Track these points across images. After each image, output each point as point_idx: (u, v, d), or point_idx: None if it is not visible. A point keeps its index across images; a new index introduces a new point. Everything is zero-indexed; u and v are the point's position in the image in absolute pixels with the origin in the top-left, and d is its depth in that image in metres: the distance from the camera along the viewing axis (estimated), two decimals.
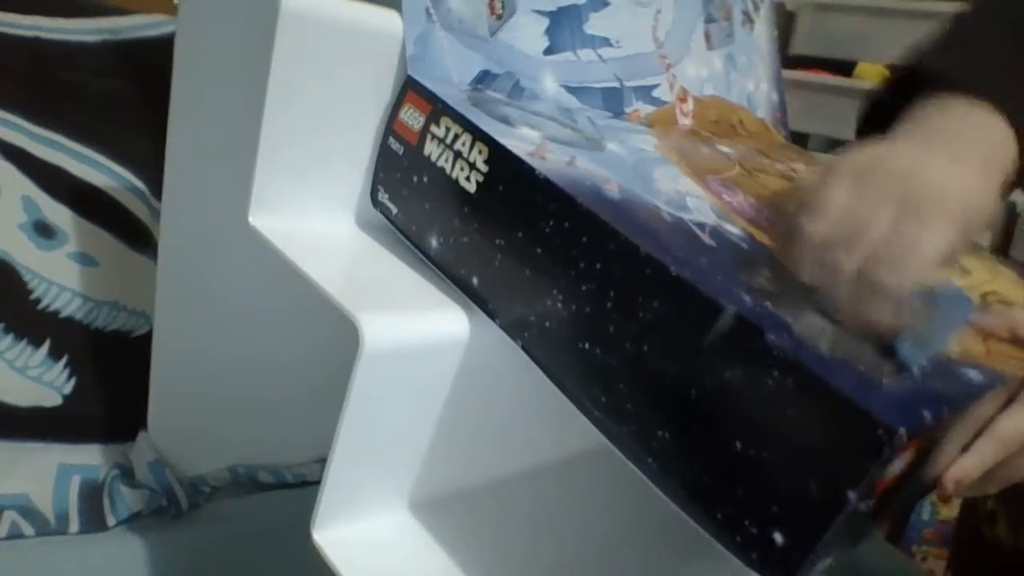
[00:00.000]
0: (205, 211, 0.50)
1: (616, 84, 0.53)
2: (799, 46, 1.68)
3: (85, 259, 0.66)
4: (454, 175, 0.42)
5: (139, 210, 0.71)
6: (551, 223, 0.38)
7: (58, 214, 0.66)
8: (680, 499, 0.35)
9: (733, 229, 0.41)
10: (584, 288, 0.37)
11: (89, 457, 0.59)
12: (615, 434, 0.37)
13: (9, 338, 0.60)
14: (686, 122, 0.57)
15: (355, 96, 0.44)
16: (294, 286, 0.39)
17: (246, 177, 0.42)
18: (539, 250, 0.39)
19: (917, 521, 1.54)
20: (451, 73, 0.45)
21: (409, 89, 0.44)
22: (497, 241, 0.40)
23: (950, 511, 1.51)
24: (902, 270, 0.35)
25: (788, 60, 1.68)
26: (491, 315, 0.41)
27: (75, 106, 0.73)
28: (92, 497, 0.55)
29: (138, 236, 0.69)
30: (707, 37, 0.61)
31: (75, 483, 0.56)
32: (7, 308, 0.61)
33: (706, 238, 0.39)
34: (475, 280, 0.42)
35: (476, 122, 0.41)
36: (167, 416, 0.60)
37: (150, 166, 0.73)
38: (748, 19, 0.66)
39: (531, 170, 0.39)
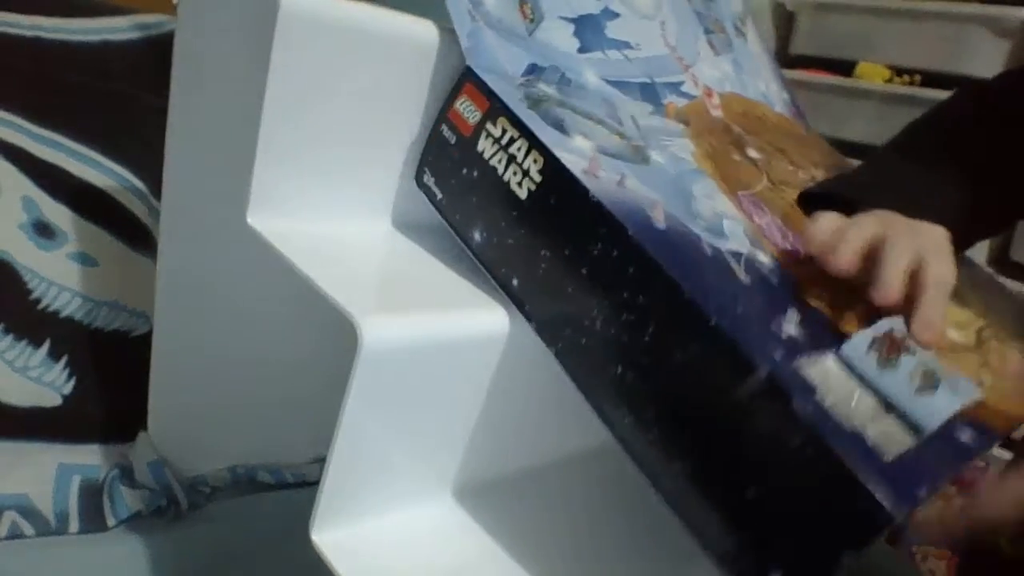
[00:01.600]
0: (204, 211, 0.50)
1: (647, 80, 0.54)
2: (799, 46, 1.68)
3: (85, 259, 0.66)
4: (506, 177, 0.42)
5: (139, 210, 0.71)
6: (599, 247, 0.39)
7: (58, 214, 0.66)
8: (690, 524, 0.37)
9: (764, 259, 0.43)
10: (624, 318, 0.38)
11: (89, 457, 0.59)
12: (635, 452, 0.39)
13: (9, 338, 0.60)
14: (718, 114, 0.59)
15: (355, 96, 0.44)
16: (293, 286, 0.39)
17: (245, 177, 0.42)
18: (584, 270, 0.39)
19: None
20: (505, 66, 0.46)
21: (467, 81, 0.44)
22: (543, 252, 0.41)
23: None
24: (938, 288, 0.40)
25: (788, 60, 1.68)
26: (527, 317, 0.42)
27: (75, 106, 0.73)
28: (92, 497, 0.55)
29: (138, 236, 0.69)
30: (711, 45, 0.63)
31: (75, 483, 0.56)
32: (7, 308, 0.61)
33: (742, 274, 0.41)
34: (515, 282, 0.43)
35: (533, 128, 0.42)
36: (167, 416, 0.60)
37: (150, 166, 0.73)
38: (739, 32, 0.69)
39: (585, 191, 0.39)
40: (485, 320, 0.43)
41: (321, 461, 0.67)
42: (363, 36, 0.43)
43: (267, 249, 0.41)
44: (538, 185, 0.41)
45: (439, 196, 0.46)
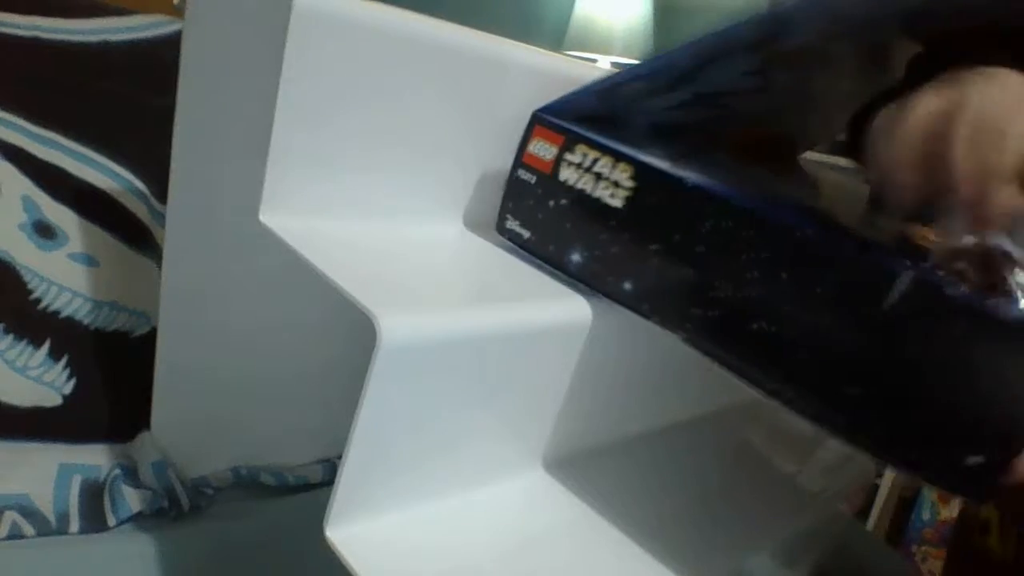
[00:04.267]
0: (212, 211, 0.50)
1: None
2: None
3: (85, 259, 0.66)
4: (597, 194, 0.46)
5: (139, 210, 0.71)
6: (708, 224, 0.43)
7: (58, 214, 0.66)
8: (872, 447, 0.40)
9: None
10: (750, 275, 0.41)
11: (90, 457, 0.59)
12: (795, 400, 0.41)
13: (9, 338, 0.60)
14: None
15: (369, 96, 0.45)
16: (302, 286, 0.39)
17: (257, 176, 0.42)
18: (700, 248, 0.43)
19: (917, 521, 1.55)
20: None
21: (537, 124, 0.49)
22: (652, 247, 0.44)
23: (950, 511, 1.51)
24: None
25: None
26: (645, 315, 0.45)
27: (75, 106, 0.73)
28: (93, 497, 0.55)
29: (138, 236, 0.69)
30: None
31: (76, 483, 0.56)
32: (7, 308, 0.61)
33: (837, 223, 0.44)
34: (627, 285, 0.46)
35: (612, 145, 0.46)
36: (170, 417, 0.59)
37: (150, 166, 0.73)
38: None
39: (681, 179, 0.44)
40: (506, 317, 0.43)
41: (324, 463, 0.67)
42: (378, 35, 0.43)
43: (280, 248, 0.41)
44: (633, 191, 0.45)
45: (526, 236, 0.50)
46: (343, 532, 0.38)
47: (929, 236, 0.43)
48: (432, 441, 0.42)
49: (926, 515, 1.52)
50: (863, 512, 1.62)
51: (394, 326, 0.35)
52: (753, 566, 0.55)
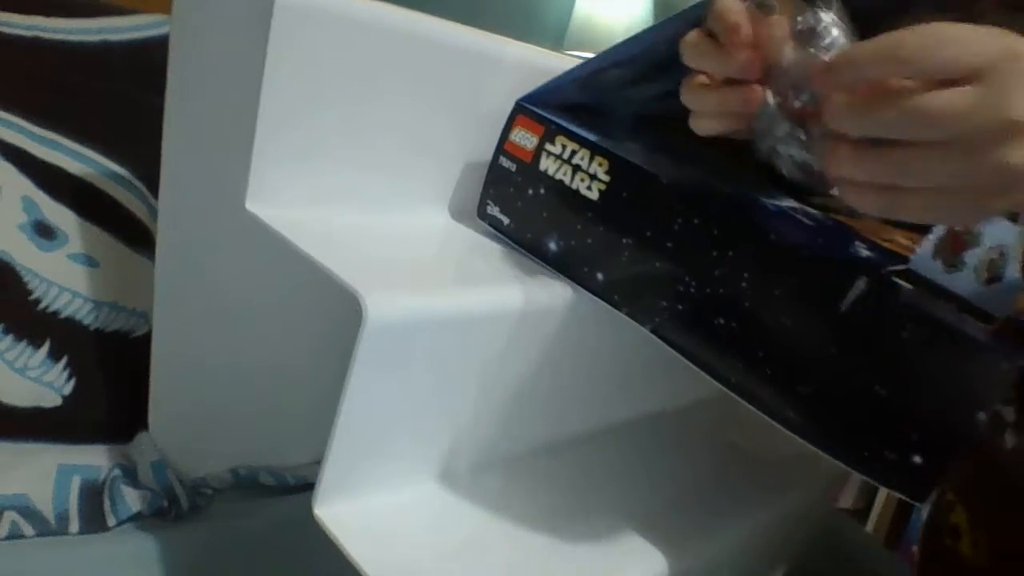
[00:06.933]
0: (202, 203, 0.51)
1: None
2: None
3: (85, 259, 0.66)
4: (574, 186, 0.47)
5: (139, 210, 0.71)
6: (679, 220, 0.43)
7: (58, 214, 0.66)
8: (821, 442, 0.40)
9: (815, 212, 0.46)
10: (718, 272, 0.42)
11: (89, 457, 0.59)
12: (754, 396, 0.42)
13: (9, 339, 0.60)
14: None
15: (351, 87, 0.45)
16: (294, 276, 0.40)
17: (243, 166, 0.42)
18: (670, 244, 0.44)
19: (916, 521, 1.54)
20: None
21: (519, 114, 0.50)
22: (624, 240, 0.46)
23: None
24: None
25: None
26: (616, 306, 0.46)
27: (75, 106, 0.73)
28: (92, 497, 0.55)
29: (138, 236, 0.69)
30: None
31: (75, 483, 0.56)
32: (7, 309, 0.61)
33: (806, 220, 0.44)
34: (599, 276, 0.47)
35: (591, 138, 0.47)
36: (167, 417, 0.59)
37: (150, 166, 0.72)
38: None
39: (655, 176, 0.45)
40: (489, 299, 0.44)
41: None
42: (361, 29, 0.44)
43: (267, 235, 0.41)
44: (608, 184, 0.46)
45: (506, 222, 0.51)
46: (332, 510, 0.39)
47: (898, 239, 0.44)
48: (418, 422, 0.43)
49: (925, 516, 1.52)
50: (863, 512, 1.62)
51: (379, 304, 0.35)
52: (733, 552, 0.55)
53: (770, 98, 0.38)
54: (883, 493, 1.60)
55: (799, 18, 0.37)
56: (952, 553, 0.63)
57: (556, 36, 2.16)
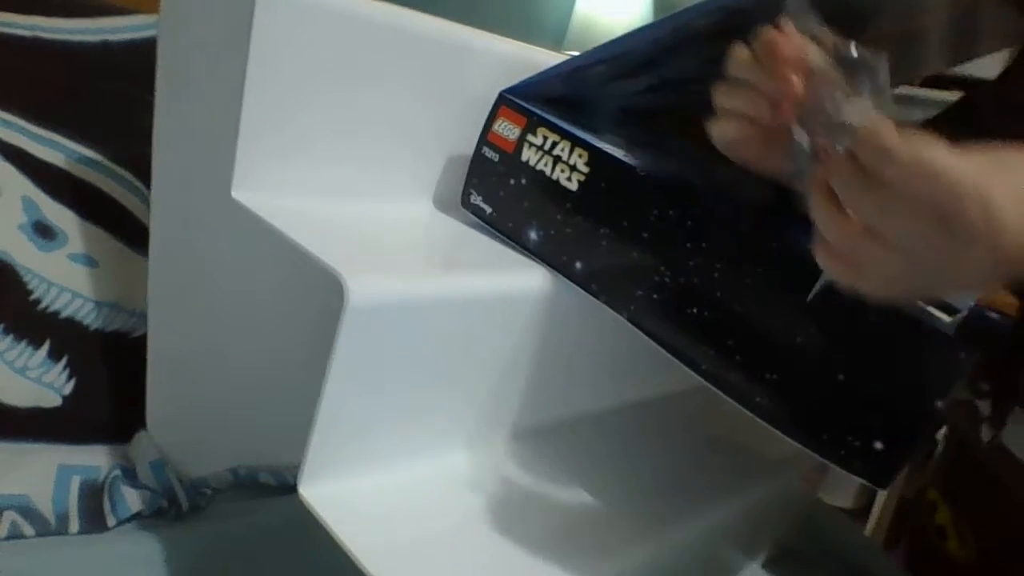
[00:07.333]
0: (192, 195, 0.51)
1: None
2: None
3: (85, 260, 0.66)
4: (555, 176, 0.49)
5: (139, 210, 0.71)
6: (655, 212, 0.45)
7: (58, 214, 0.66)
8: (787, 428, 0.42)
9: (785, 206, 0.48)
10: (692, 263, 0.44)
11: (89, 458, 0.59)
12: (724, 382, 0.43)
13: (9, 339, 0.60)
14: None
15: (336, 78, 0.46)
16: (283, 271, 0.40)
17: (229, 156, 0.43)
18: (646, 235, 0.45)
19: None
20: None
21: (502, 105, 0.51)
22: (602, 230, 0.47)
23: None
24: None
25: None
26: (594, 295, 0.47)
27: (75, 106, 0.73)
28: (92, 497, 0.55)
29: (138, 236, 0.69)
30: None
31: (75, 483, 0.56)
32: (7, 309, 0.61)
33: (776, 214, 0.45)
34: (578, 265, 0.48)
35: (571, 130, 0.48)
36: (165, 417, 0.60)
37: (150, 166, 0.72)
38: None
39: (633, 168, 0.46)
40: (470, 284, 0.44)
41: None
42: (344, 21, 0.45)
43: (253, 223, 0.42)
44: (587, 175, 0.47)
45: (488, 211, 0.52)
46: (316, 491, 0.39)
47: None
48: (400, 404, 0.43)
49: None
50: (863, 512, 1.62)
51: (360, 287, 0.36)
52: (713, 536, 0.56)
53: (804, 139, 0.38)
54: (883, 493, 1.60)
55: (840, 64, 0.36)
56: (941, 553, 0.64)
57: (556, 36, 2.16)
